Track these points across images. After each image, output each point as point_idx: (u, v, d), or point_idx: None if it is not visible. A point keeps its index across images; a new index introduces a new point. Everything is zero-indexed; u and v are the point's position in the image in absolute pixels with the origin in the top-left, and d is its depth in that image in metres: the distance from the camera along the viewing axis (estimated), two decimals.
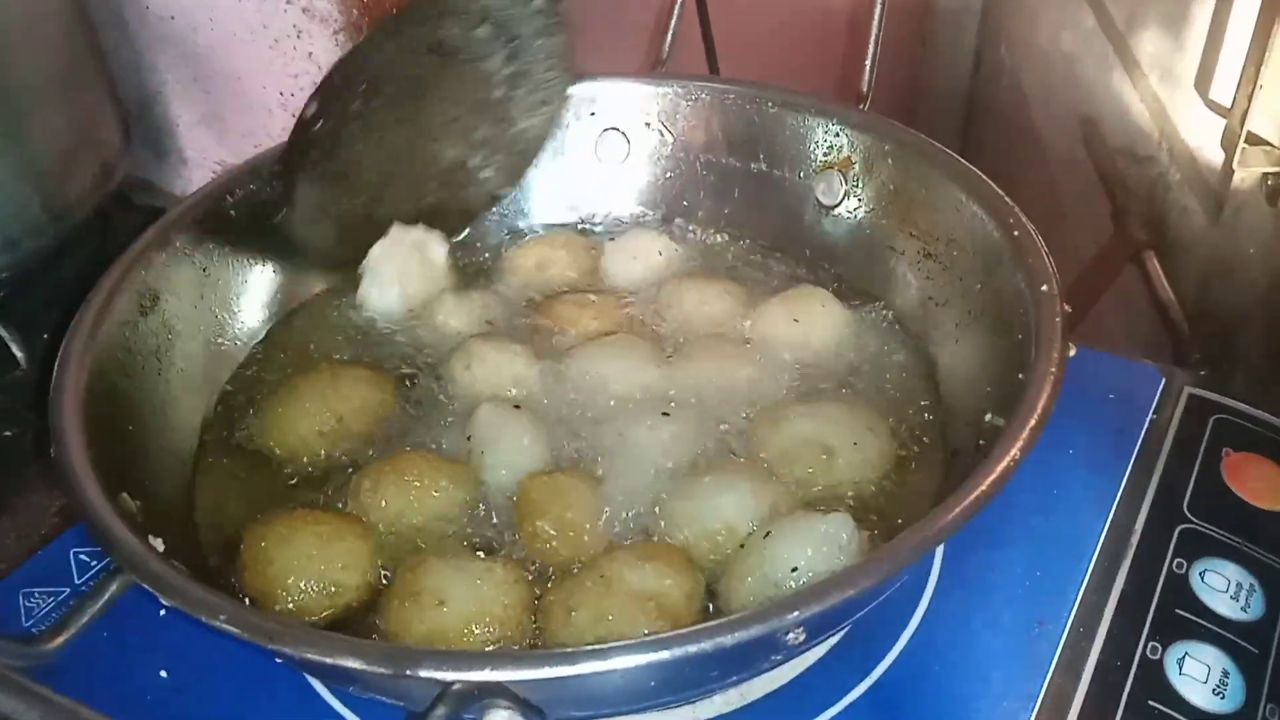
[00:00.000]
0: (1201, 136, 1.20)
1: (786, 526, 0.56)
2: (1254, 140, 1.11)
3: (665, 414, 0.65)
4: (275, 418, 0.66)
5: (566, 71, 0.76)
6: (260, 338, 0.74)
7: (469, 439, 0.64)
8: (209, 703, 0.60)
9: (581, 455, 0.64)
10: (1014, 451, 0.51)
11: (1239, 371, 1.18)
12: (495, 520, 0.62)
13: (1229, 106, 1.12)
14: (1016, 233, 0.64)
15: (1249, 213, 1.15)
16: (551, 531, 0.59)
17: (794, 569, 0.53)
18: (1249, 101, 1.07)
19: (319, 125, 0.69)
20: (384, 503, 0.61)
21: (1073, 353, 0.56)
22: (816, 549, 0.54)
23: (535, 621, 0.55)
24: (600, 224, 0.85)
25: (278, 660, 0.59)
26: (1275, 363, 1.16)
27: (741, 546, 0.57)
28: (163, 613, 0.63)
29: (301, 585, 0.56)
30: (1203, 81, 1.19)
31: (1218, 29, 1.15)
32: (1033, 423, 0.52)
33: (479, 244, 0.83)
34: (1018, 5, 1.59)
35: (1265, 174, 1.12)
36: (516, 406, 0.66)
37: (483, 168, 0.78)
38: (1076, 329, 1.12)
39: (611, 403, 0.67)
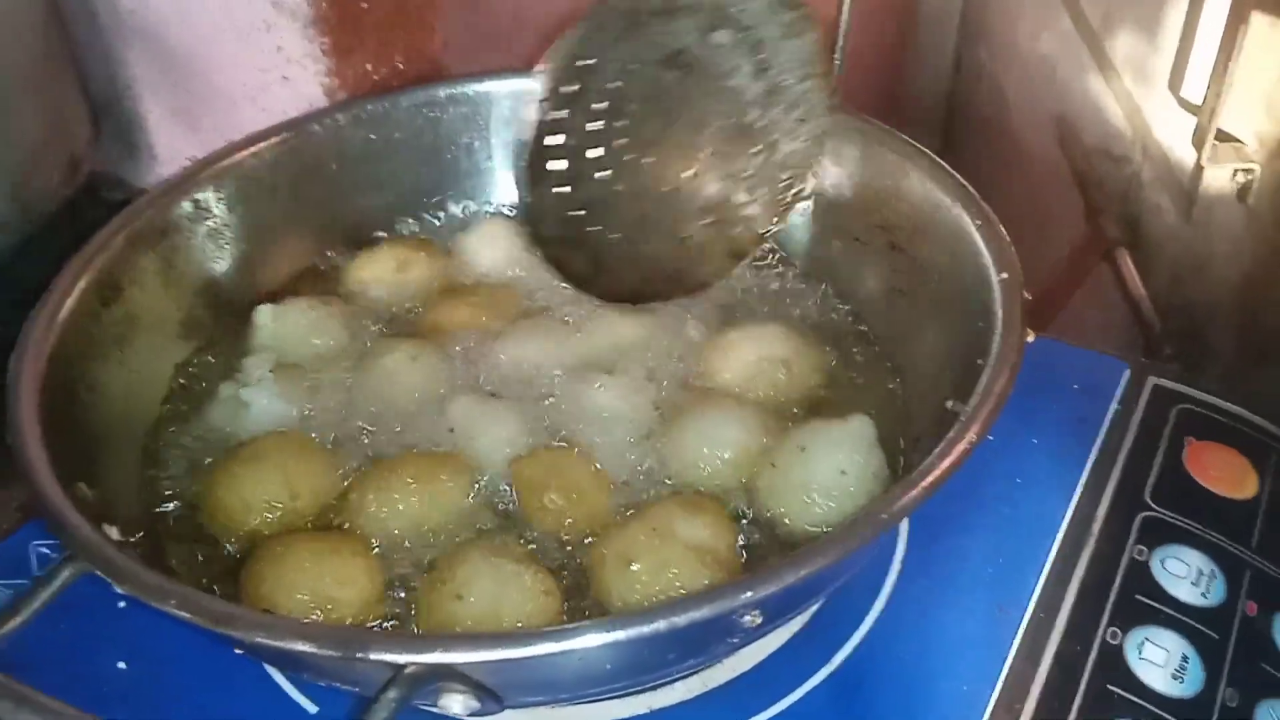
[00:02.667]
0: (1174, 135, 1.21)
1: (819, 437, 0.61)
2: (1224, 138, 1.12)
3: (607, 373, 0.67)
4: (225, 508, 0.62)
5: (825, 78, 0.67)
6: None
7: (450, 431, 0.64)
8: (168, 694, 0.60)
9: (554, 429, 0.65)
10: (970, 434, 0.51)
11: (1210, 366, 1.19)
12: (500, 506, 0.62)
13: (1200, 105, 1.13)
14: (979, 221, 0.64)
15: (1219, 210, 1.16)
16: (560, 502, 0.60)
17: (842, 472, 0.59)
18: (1219, 99, 1.08)
19: (556, 142, 0.61)
20: (384, 511, 0.60)
21: (1031, 338, 0.57)
22: (853, 451, 0.60)
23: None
24: None
25: (237, 651, 0.59)
26: (1245, 357, 1.17)
27: (774, 465, 0.61)
28: (121, 605, 0.63)
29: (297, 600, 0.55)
30: (1175, 80, 1.20)
31: (1190, 28, 1.16)
32: (990, 406, 0.52)
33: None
34: (997, 7, 1.60)
35: (1235, 170, 1.13)
36: (491, 394, 0.67)
37: (748, 203, 0.69)
38: (1051, 325, 1.13)
39: (557, 373, 0.68)
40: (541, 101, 0.60)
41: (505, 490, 0.62)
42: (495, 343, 0.70)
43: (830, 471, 0.59)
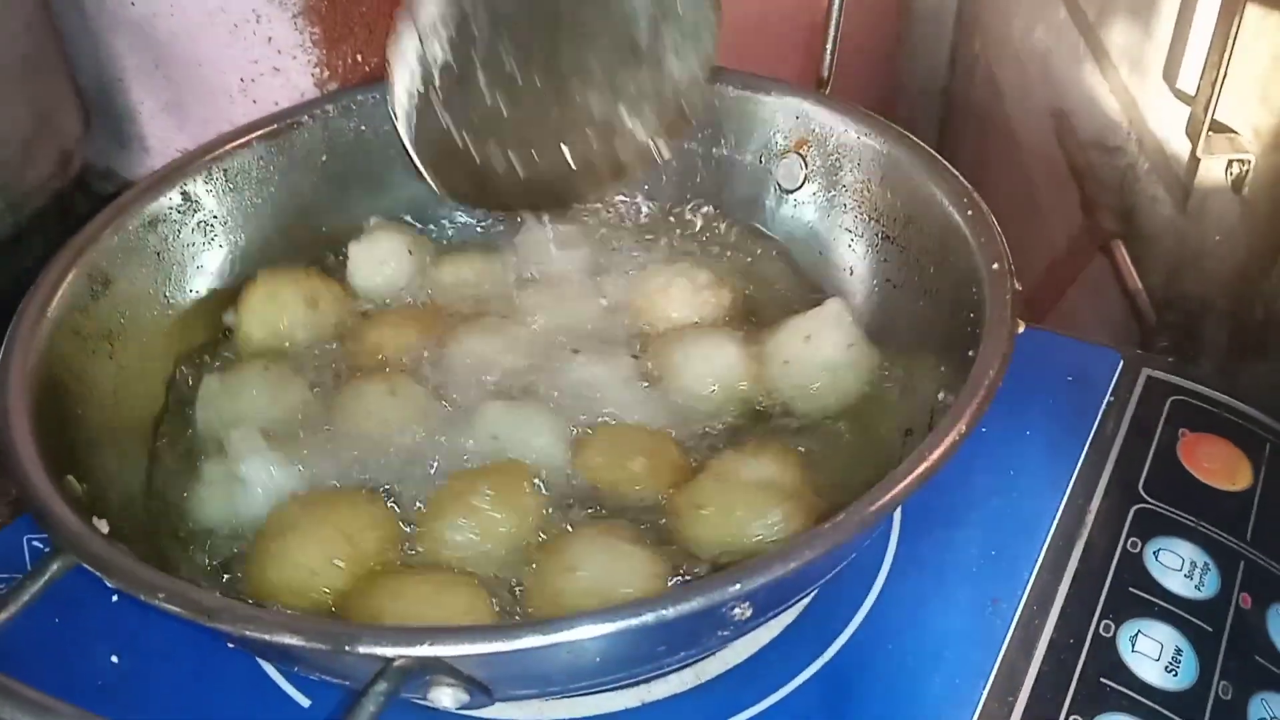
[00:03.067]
0: (1169, 126, 1.20)
1: (813, 324, 0.67)
2: (1219, 128, 1.12)
3: (575, 350, 0.69)
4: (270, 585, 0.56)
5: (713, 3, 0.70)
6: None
7: (495, 439, 0.63)
8: (160, 688, 0.60)
9: (573, 410, 0.66)
10: (961, 425, 0.51)
11: (1205, 358, 1.19)
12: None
13: (1195, 95, 1.12)
14: (970, 212, 0.64)
15: (1214, 201, 1.16)
16: (644, 464, 0.61)
17: (850, 345, 0.67)
18: (1212, 89, 1.08)
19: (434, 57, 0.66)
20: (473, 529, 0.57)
21: (1021, 329, 0.57)
22: (840, 329, 0.67)
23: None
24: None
25: (230, 645, 0.59)
26: (1239, 350, 1.17)
27: (786, 363, 0.67)
28: (115, 599, 0.63)
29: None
30: (1170, 71, 1.20)
31: (1185, 19, 1.16)
32: (980, 397, 0.52)
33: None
34: (993, 1, 1.59)
35: (1230, 161, 1.13)
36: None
37: (632, 118, 0.72)
38: (1047, 317, 1.12)
39: (525, 364, 0.68)
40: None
41: (570, 477, 0.62)
42: (451, 354, 0.69)
43: (835, 352, 0.66)
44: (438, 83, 0.69)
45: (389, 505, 0.60)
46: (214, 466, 0.62)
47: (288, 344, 0.71)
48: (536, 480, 0.61)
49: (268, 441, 0.62)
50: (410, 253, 0.76)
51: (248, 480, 0.60)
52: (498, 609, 0.54)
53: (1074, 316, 1.35)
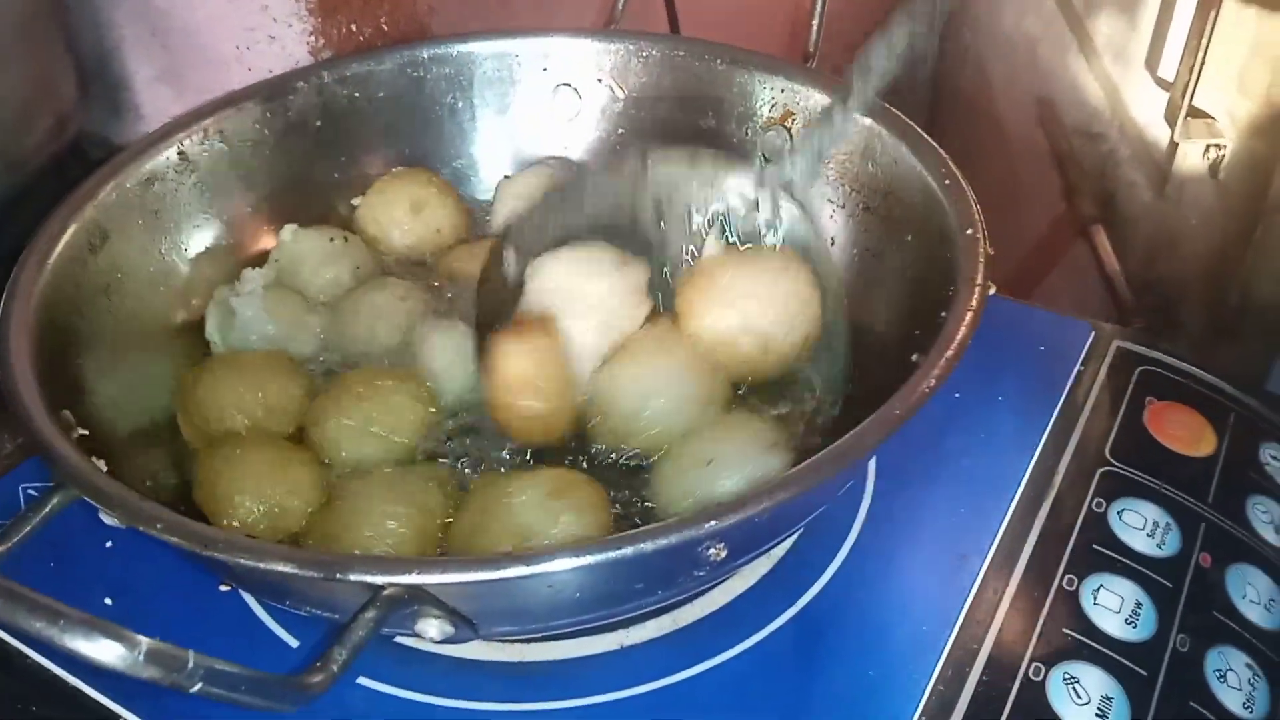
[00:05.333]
0: (1150, 113, 1.23)
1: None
2: (1197, 114, 1.14)
3: None
4: (197, 399, 0.65)
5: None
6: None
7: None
8: (153, 629, 0.59)
9: None
10: (931, 379, 0.53)
11: (1180, 339, 1.22)
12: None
13: (1173, 81, 1.15)
14: (947, 181, 0.66)
15: (1191, 186, 1.18)
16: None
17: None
18: (1190, 74, 1.10)
19: None
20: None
21: (993, 290, 0.58)
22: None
23: None
24: None
25: (223, 588, 0.61)
26: (1213, 331, 1.19)
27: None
28: (109, 544, 0.65)
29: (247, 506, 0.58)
30: (1153, 60, 1.22)
31: (1167, 8, 1.18)
32: (949, 353, 0.54)
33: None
34: None
35: (1207, 146, 1.15)
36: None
37: None
38: (1029, 299, 1.14)
39: None
40: None
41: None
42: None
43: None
44: None
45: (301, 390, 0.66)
46: (223, 289, 0.71)
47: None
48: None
49: (277, 293, 0.71)
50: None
51: (234, 312, 0.69)
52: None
53: (1055, 298, 1.38)
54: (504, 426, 0.64)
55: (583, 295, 0.65)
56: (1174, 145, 1.18)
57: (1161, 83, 1.21)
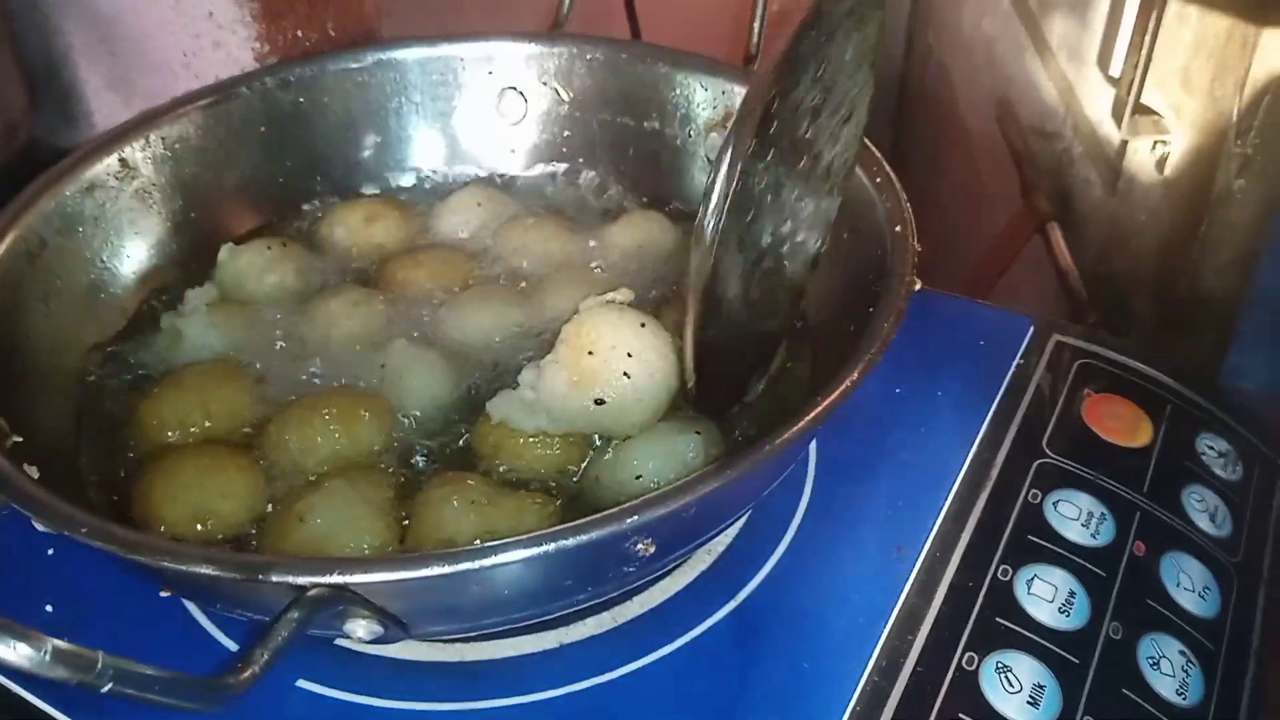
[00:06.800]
0: (1101, 111, 1.24)
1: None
2: (1143, 111, 1.15)
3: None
4: (143, 415, 0.65)
5: (871, 63, 0.57)
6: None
7: (382, 368, 0.67)
8: (94, 636, 0.59)
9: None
10: (854, 373, 0.53)
11: (1131, 333, 1.23)
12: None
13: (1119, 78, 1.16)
14: (879, 179, 0.67)
15: (1139, 183, 1.20)
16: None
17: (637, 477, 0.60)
18: (1135, 72, 1.12)
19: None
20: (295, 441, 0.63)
21: (918, 286, 0.59)
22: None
23: None
24: (499, 180, 0.87)
25: (163, 592, 0.61)
26: (1163, 325, 1.21)
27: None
28: (50, 551, 0.65)
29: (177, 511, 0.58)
30: (1104, 58, 1.23)
31: (1117, 6, 1.19)
32: (874, 348, 0.54)
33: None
34: None
35: (1155, 143, 1.17)
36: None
37: (796, 231, 0.59)
38: (988, 296, 1.15)
39: (496, 340, 0.70)
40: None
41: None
42: (443, 303, 0.73)
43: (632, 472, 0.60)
44: None
45: (264, 401, 0.67)
46: (169, 316, 0.71)
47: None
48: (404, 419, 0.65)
49: (222, 308, 0.71)
50: (479, 205, 0.81)
51: (181, 333, 0.69)
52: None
53: (1014, 294, 1.39)
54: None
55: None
56: (1123, 143, 1.20)
57: (1112, 80, 1.22)
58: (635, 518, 0.47)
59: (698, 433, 0.61)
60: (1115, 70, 1.21)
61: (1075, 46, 1.30)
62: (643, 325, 0.62)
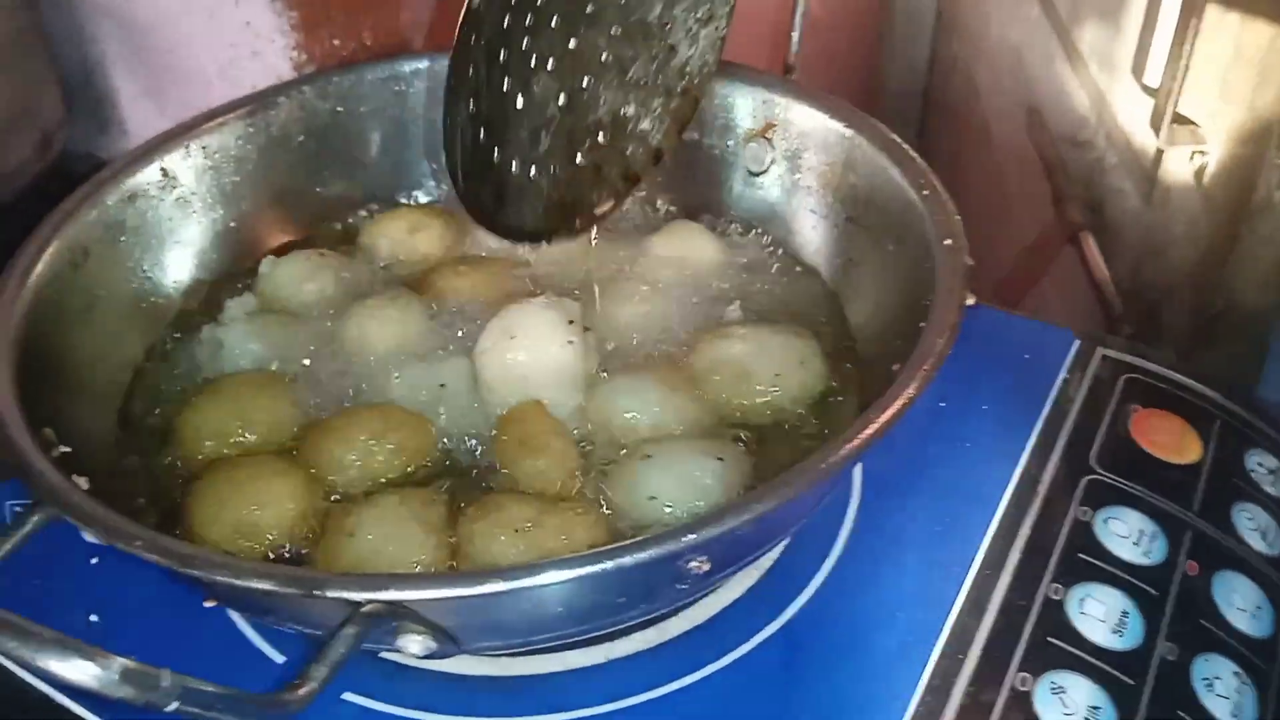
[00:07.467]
0: (1136, 120, 1.23)
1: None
2: (1181, 121, 1.14)
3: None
4: (182, 426, 0.65)
5: None
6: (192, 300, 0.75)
7: (442, 387, 0.66)
8: (138, 647, 0.59)
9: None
10: (909, 389, 0.53)
11: (1165, 346, 1.22)
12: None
13: (1158, 88, 1.15)
14: (926, 191, 0.66)
15: (1177, 194, 1.19)
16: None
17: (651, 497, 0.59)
18: (1174, 81, 1.11)
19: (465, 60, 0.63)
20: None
21: (971, 301, 0.59)
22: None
23: None
24: None
25: (207, 604, 0.61)
26: (1198, 338, 1.19)
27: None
28: (94, 560, 0.64)
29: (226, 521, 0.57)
30: (1138, 67, 1.22)
31: (1152, 15, 1.18)
32: (928, 364, 0.54)
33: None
34: (970, 1, 1.62)
35: (1192, 153, 1.16)
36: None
37: (641, 117, 0.65)
38: (1019, 307, 1.14)
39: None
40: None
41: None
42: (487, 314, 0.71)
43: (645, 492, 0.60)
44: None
45: (303, 409, 0.66)
46: (210, 327, 0.71)
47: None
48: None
49: (262, 318, 0.71)
50: None
51: (221, 343, 0.69)
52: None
53: (1045, 306, 1.38)
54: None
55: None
56: (1160, 152, 1.19)
57: (1147, 89, 1.21)
58: (694, 535, 0.46)
59: (719, 459, 0.60)
60: (1150, 79, 1.20)
61: (1108, 55, 1.29)
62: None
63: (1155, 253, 1.25)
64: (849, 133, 0.74)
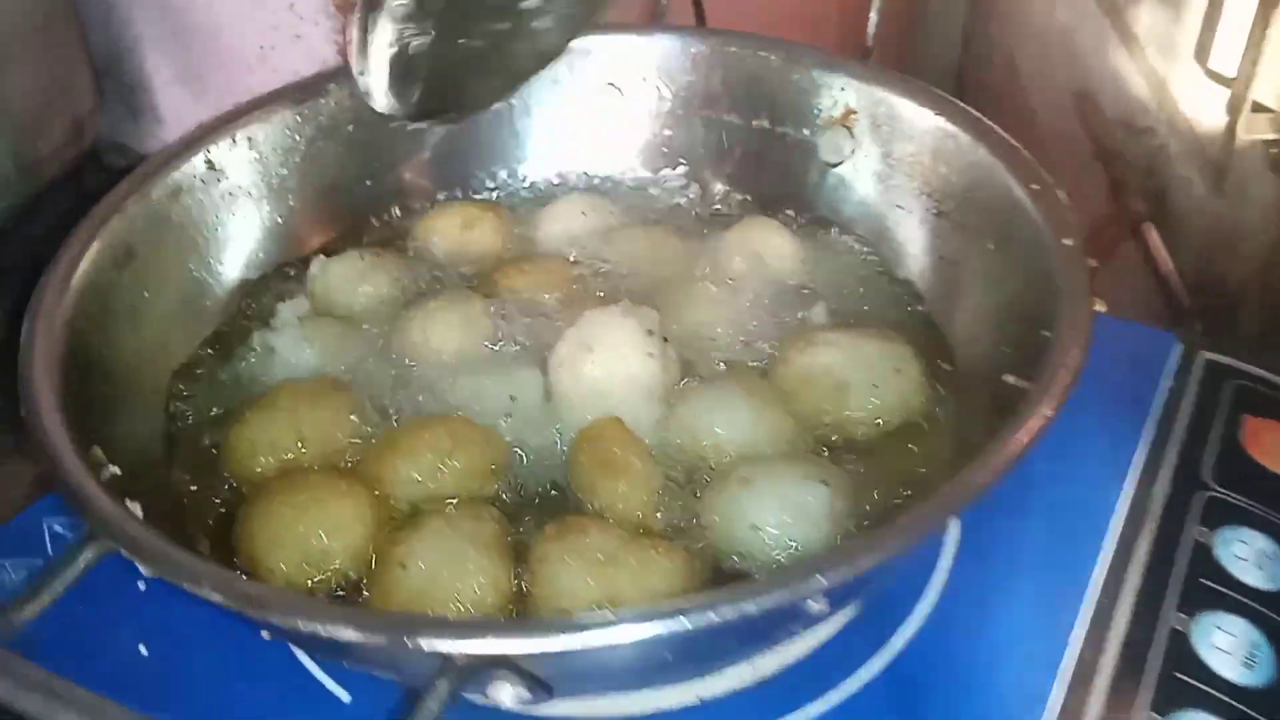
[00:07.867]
0: (1201, 107, 1.18)
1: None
2: (1258, 109, 1.09)
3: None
4: (234, 440, 0.61)
5: None
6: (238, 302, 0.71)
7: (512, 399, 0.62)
8: (191, 679, 0.57)
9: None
10: (1045, 409, 0.48)
11: (1238, 341, 1.17)
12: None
13: (1230, 76, 1.10)
14: (1035, 185, 0.62)
15: (1252, 183, 1.14)
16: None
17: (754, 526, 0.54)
18: (1254, 68, 1.06)
19: None
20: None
21: (1102, 308, 0.54)
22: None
23: None
24: (598, 183, 0.82)
25: (264, 634, 0.56)
26: (1272, 331, 1.15)
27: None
28: (142, 586, 0.60)
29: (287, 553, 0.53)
30: (1202, 52, 1.17)
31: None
32: (1065, 380, 0.49)
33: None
34: None
35: (1268, 141, 1.10)
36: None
37: (537, 14, 0.66)
38: None
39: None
40: None
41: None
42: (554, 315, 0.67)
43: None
44: None
45: (360, 418, 0.62)
46: (261, 333, 0.67)
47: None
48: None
49: (315, 322, 0.67)
50: (583, 214, 0.76)
51: (273, 349, 0.65)
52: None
53: (1105, 300, 1.33)
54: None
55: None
56: (1232, 140, 1.14)
57: (1214, 75, 1.16)
58: (822, 579, 0.41)
59: (824, 483, 0.55)
60: (1215, 64, 1.15)
61: (1167, 38, 1.23)
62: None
63: (1226, 245, 1.20)
64: (940, 121, 0.69)
